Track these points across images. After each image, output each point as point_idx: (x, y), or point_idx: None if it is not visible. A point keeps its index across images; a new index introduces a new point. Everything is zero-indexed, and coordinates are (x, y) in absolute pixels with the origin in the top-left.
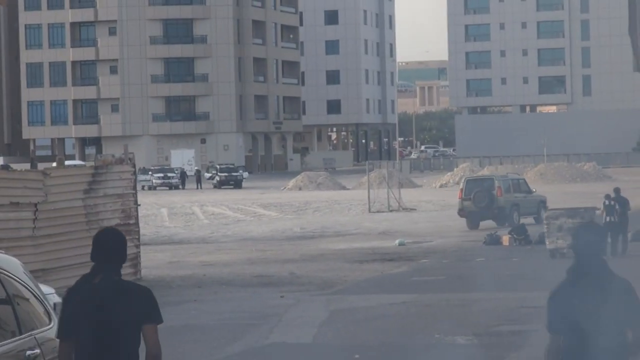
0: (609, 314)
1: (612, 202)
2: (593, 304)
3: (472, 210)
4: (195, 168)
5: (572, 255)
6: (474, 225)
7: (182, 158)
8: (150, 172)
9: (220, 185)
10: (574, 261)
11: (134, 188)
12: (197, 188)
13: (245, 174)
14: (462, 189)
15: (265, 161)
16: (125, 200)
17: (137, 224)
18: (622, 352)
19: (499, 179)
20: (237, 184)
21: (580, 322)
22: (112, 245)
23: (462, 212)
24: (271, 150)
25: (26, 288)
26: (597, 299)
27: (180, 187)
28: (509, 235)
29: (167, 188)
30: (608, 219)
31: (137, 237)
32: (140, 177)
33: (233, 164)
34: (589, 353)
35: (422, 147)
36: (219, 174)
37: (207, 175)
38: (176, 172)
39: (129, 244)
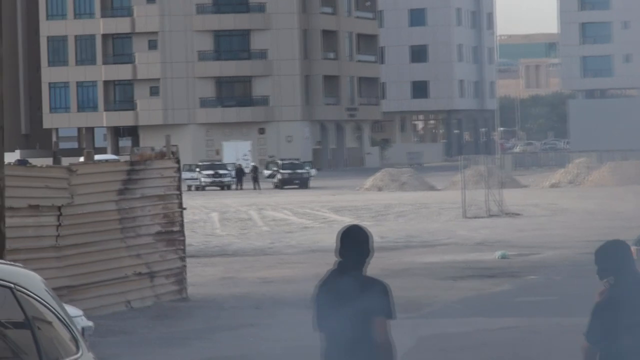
0: None
1: None
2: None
3: None
4: (252, 164)
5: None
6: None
7: (236, 152)
8: (197, 169)
9: (282, 184)
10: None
11: (178, 188)
12: (254, 188)
13: (313, 172)
14: None
15: (336, 156)
16: (168, 203)
17: (181, 231)
18: None
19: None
20: (302, 184)
21: (621, 336)
22: (358, 240)
23: None
24: (344, 142)
25: (49, 309)
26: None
27: (236, 187)
28: (637, 247)
29: (219, 188)
30: None
31: (182, 247)
32: (186, 174)
33: (298, 159)
34: None
35: (528, 139)
36: (280, 171)
37: (266, 172)
38: (229, 168)
39: (172, 255)
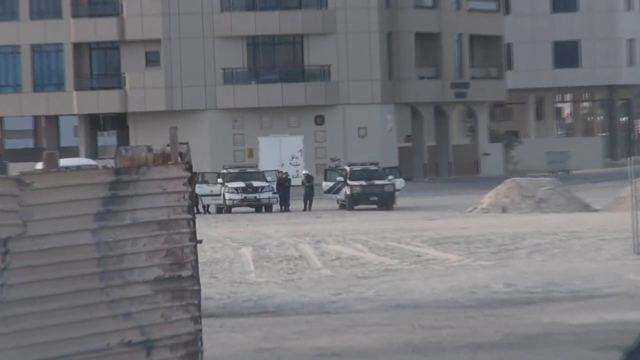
0: None
1: None
2: None
3: None
4: (304, 172)
5: None
6: None
7: (280, 153)
8: (220, 180)
9: (351, 203)
10: None
11: (190, 210)
12: (306, 209)
13: (400, 183)
14: None
15: (436, 158)
16: (174, 234)
17: (195, 277)
18: None
19: None
20: (383, 201)
21: None
22: None
23: None
24: (448, 137)
25: None
26: None
27: (280, 207)
28: None
29: (253, 209)
30: None
31: (195, 302)
32: (202, 188)
33: (376, 164)
34: None
35: None
36: (349, 182)
37: (326, 185)
38: (269, 179)
39: (180, 314)
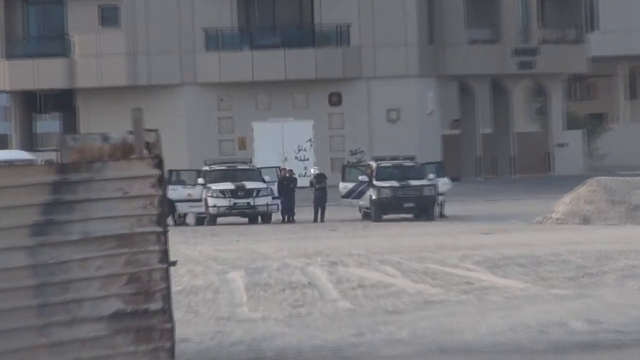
0: None
1: None
2: None
3: None
4: (314, 169)
5: None
6: None
7: (282, 143)
8: (201, 180)
9: (379, 211)
10: None
11: (161, 220)
12: (316, 220)
13: (444, 184)
14: None
15: (494, 149)
16: (138, 253)
17: (167, 311)
18: None
19: None
20: (421, 208)
21: None
22: None
23: None
24: (509, 121)
25: None
26: None
27: (283, 217)
28: None
29: (245, 220)
30: None
31: (167, 345)
32: (177, 191)
33: (412, 158)
34: None
35: None
36: (375, 183)
37: (344, 186)
38: (267, 179)
39: None
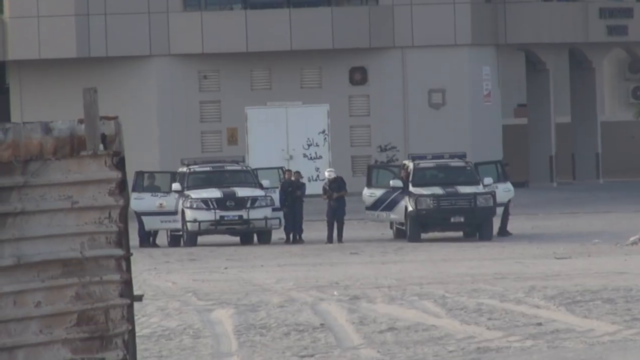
0: None
1: None
2: None
3: None
4: (329, 172)
5: None
6: None
7: (287, 135)
8: (177, 186)
9: (418, 227)
10: None
11: (121, 241)
12: (330, 239)
13: (505, 189)
14: None
15: (574, 144)
16: (91, 284)
17: None
18: None
19: None
20: (475, 224)
21: None
22: None
23: None
24: (594, 106)
25: None
26: None
27: (287, 237)
28: None
29: (236, 239)
30: None
31: None
32: (145, 200)
33: (463, 157)
34: None
35: None
36: (412, 189)
37: (370, 194)
38: (265, 184)
39: None
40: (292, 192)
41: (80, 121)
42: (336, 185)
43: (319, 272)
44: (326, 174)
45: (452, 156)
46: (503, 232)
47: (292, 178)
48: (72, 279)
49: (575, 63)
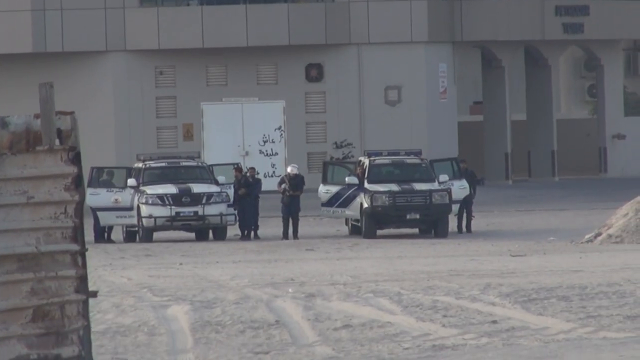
0: None
1: None
2: None
3: None
4: (292, 167)
5: None
6: None
7: (243, 131)
8: (132, 182)
9: (373, 223)
10: None
11: (76, 236)
12: (286, 235)
13: (460, 186)
14: None
15: (529, 142)
16: (46, 279)
17: (85, 358)
18: None
19: None
20: (430, 221)
21: None
22: None
23: None
24: (549, 104)
25: None
26: None
27: (243, 233)
28: None
29: (191, 235)
30: None
31: None
32: (100, 196)
33: (417, 153)
34: None
35: None
36: (368, 186)
37: (326, 190)
38: (221, 180)
39: None
40: (248, 188)
41: (37, 116)
42: (295, 183)
43: (275, 268)
44: (289, 168)
45: (407, 153)
46: (469, 229)
47: (247, 173)
48: (27, 274)
49: (531, 61)
